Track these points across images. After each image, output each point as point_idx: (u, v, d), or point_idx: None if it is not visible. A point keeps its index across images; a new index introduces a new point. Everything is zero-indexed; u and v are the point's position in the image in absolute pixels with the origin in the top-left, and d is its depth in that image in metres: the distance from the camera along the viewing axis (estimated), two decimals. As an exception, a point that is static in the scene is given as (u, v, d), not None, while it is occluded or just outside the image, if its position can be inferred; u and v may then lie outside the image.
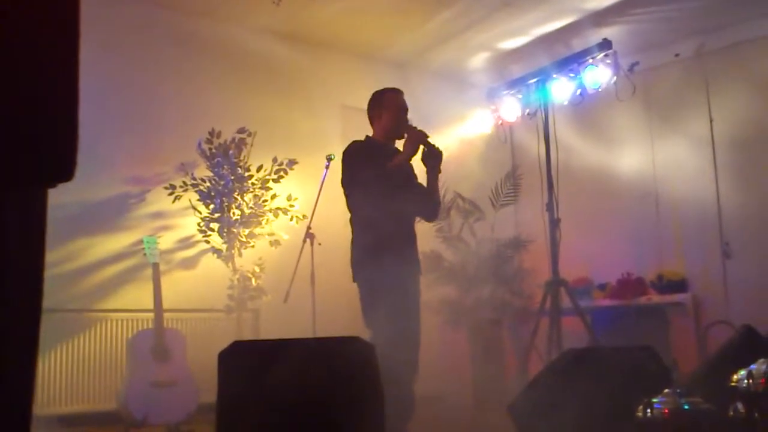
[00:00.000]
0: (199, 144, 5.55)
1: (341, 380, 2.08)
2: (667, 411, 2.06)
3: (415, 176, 4.04)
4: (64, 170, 0.93)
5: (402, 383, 3.47)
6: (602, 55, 5.42)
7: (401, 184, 3.80)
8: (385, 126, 3.94)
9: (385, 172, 3.69)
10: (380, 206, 3.65)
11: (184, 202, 5.62)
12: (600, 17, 6.22)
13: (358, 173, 3.74)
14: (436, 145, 3.89)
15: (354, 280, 3.80)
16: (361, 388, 2.09)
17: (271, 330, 5.47)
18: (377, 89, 4.11)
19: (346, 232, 4.00)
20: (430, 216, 4.20)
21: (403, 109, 3.96)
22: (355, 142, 3.96)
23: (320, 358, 2.10)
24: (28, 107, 0.89)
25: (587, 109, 5.87)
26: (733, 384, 2.29)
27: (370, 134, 4.04)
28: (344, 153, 3.89)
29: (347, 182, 3.82)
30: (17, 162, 0.90)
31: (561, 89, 5.68)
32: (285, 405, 2.03)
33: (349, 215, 3.93)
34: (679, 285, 6.42)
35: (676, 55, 6.70)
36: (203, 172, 5.58)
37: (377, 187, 3.66)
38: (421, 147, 3.87)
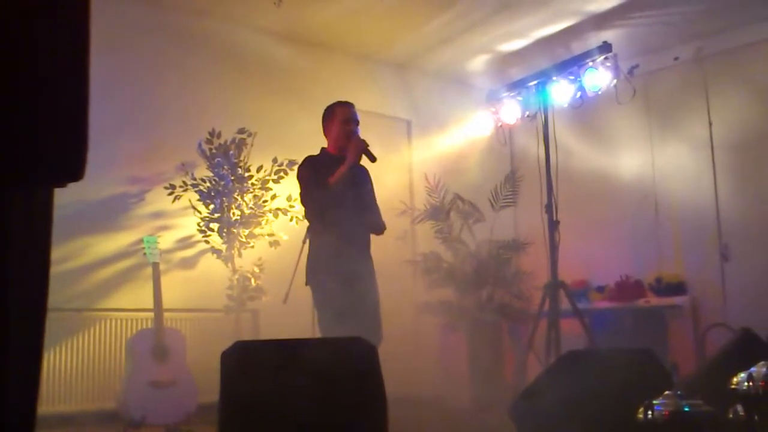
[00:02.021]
0: (200, 144, 5.55)
1: (345, 380, 2.08)
2: (667, 413, 2.06)
3: (367, 184, 4.20)
4: (74, 170, 0.93)
5: None
6: (602, 58, 5.43)
7: (349, 193, 3.94)
8: (334, 138, 4.14)
9: (326, 186, 3.91)
10: (327, 217, 3.92)
11: (184, 201, 5.62)
12: (600, 20, 6.23)
13: (306, 188, 4.03)
14: (373, 154, 4.05)
15: (306, 284, 4.06)
16: (364, 388, 2.10)
17: (270, 330, 5.47)
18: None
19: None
20: (372, 229, 4.18)
21: (350, 121, 4.11)
22: (307, 157, 4.16)
23: (324, 359, 2.11)
24: (40, 107, 0.89)
25: (587, 111, 5.88)
26: (733, 386, 2.30)
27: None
28: (297, 168, 4.15)
29: (300, 197, 4.12)
30: (28, 162, 0.90)
31: (561, 92, 5.69)
32: (288, 405, 2.03)
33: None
34: (678, 288, 6.43)
35: (676, 58, 6.71)
36: (203, 172, 5.59)
37: (323, 201, 3.92)
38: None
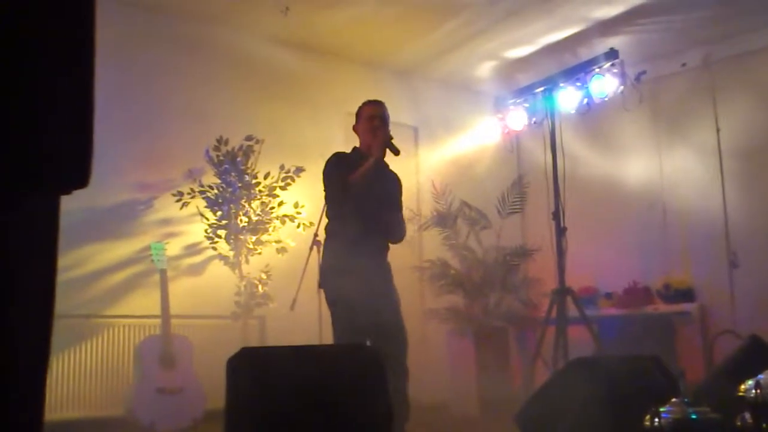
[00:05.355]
0: (207, 151, 5.57)
1: (349, 387, 2.09)
2: (674, 420, 2.06)
3: (396, 189, 4.07)
4: (79, 177, 0.93)
5: (393, 387, 3.48)
6: (609, 64, 5.43)
7: (374, 193, 3.81)
8: (362, 137, 4.03)
9: (345, 182, 3.78)
10: (347, 216, 3.78)
11: (191, 208, 5.64)
12: (607, 26, 6.23)
13: (328, 183, 3.90)
14: (397, 147, 3.87)
15: (320, 287, 3.92)
16: (369, 395, 2.10)
17: (277, 337, 5.48)
18: (380, 99, 4.14)
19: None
20: (390, 234, 4.01)
21: (374, 117, 3.97)
22: (336, 153, 4.04)
23: (329, 365, 2.11)
24: (44, 113, 0.90)
25: (594, 118, 5.88)
26: (740, 394, 2.29)
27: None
28: (325, 163, 3.99)
29: (325, 192, 3.97)
30: (33, 168, 0.90)
31: (568, 98, 5.69)
32: (293, 412, 2.03)
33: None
34: (686, 294, 6.41)
35: (683, 64, 6.70)
36: (211, 178, 5.60)
37: (343, 198, 3.80)
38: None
